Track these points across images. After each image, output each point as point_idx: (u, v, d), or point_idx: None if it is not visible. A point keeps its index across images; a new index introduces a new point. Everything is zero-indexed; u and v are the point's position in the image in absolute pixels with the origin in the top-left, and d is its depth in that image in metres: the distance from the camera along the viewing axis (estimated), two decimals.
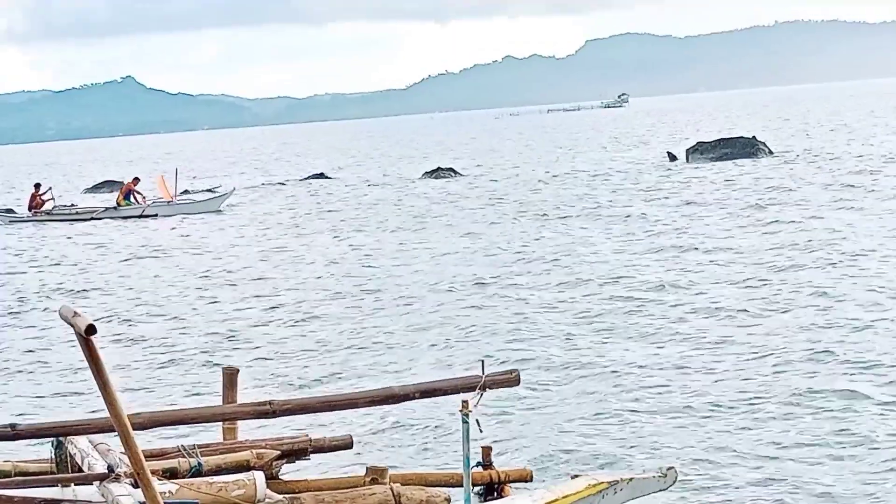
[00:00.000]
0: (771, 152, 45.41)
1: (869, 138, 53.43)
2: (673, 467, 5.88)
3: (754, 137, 48.13)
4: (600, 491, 5.67)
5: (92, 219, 38.61)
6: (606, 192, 35.43)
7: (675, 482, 5.84)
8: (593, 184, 39.58)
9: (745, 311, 15.15)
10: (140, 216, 38.39)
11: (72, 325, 4.85)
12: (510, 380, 6.21)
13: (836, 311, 14.78)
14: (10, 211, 42.69)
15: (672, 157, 47.75)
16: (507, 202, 34.71)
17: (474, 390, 6.04)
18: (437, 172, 50.08)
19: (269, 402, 6.57)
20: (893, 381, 10.99)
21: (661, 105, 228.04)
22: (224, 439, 6.96)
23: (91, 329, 4.67)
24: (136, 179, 41.24)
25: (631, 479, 5.76)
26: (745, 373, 11.85)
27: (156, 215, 38.40)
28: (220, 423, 7.03)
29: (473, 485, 6.06)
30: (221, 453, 6.49)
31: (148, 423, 6.48)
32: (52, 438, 6.41)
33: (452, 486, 6.30)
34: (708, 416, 10.41)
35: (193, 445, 6.60)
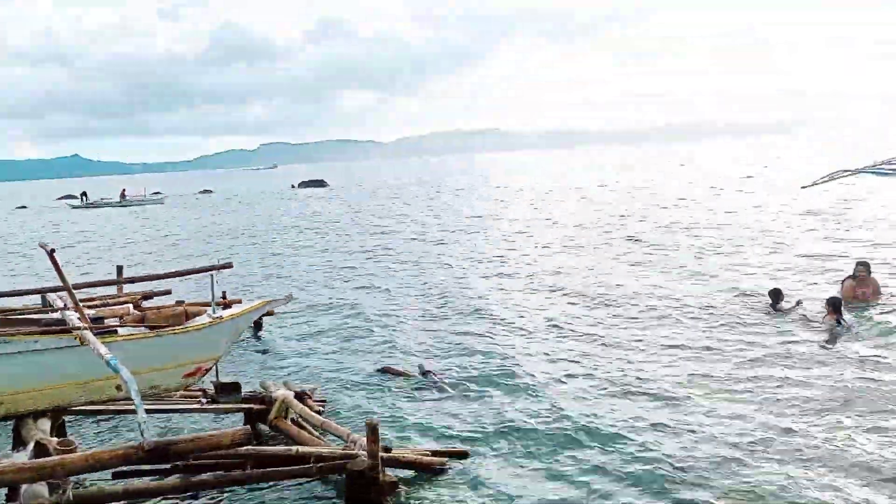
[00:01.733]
0: (329, 185, 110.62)
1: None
2: (291, 293, 13.59)
3: (322, 179, 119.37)
4: (262, 305, 13.03)
5: (107, 205, 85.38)
6: (270, 202, 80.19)
7: (290, 301, 13.55)
8: (262, 198, 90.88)
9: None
10: (127, 205, 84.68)
11: (44, 248, 10.45)
12: (227, 265, 14.22)
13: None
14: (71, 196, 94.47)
15: (293, 186, 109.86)
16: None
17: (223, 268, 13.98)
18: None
19: (133, 277, 14.68)
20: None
21: (297, 169, 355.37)
22: (118, 293, 15.12)
23: (53, 251, 10.12)
24: (125, 189, 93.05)
25: (275, 300, 13.36)
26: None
27: (130, 203, 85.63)
28: (116, 286, 15.14)
29: (218, 305, 14.01)
30: (116, 298, 14.57)
31: (82, 286, 14.50)
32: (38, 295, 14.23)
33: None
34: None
35: (104, 296, 14.64)
